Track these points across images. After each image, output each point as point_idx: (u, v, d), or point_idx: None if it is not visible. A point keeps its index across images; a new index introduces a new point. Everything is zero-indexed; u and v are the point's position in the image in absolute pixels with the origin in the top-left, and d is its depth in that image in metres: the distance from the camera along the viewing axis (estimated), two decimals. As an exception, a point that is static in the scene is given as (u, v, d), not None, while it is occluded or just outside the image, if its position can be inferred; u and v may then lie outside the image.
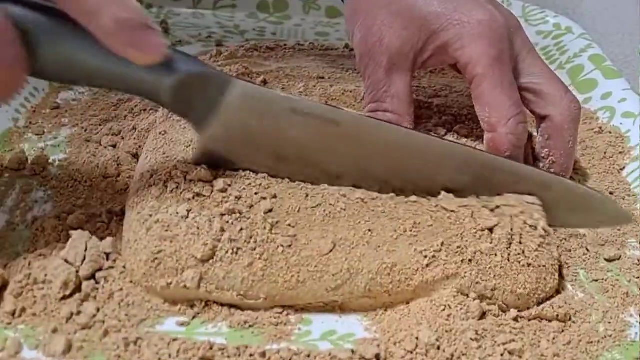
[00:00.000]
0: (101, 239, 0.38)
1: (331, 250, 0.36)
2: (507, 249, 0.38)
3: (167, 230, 0.36)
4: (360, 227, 0.37)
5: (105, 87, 0.36)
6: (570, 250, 0.43)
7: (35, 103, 0.54)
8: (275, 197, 0.38)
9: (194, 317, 0.36)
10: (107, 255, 0.37)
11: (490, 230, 0.38)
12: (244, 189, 0.38)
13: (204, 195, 0.37)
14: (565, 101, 0.44)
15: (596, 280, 0.41)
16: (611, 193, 0.49)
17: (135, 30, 0.32)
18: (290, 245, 0.36)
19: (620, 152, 0.52)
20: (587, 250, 0.43)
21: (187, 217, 0.36)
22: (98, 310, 0.35)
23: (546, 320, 0.37)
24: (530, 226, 0.39)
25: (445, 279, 0.37)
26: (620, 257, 0.43)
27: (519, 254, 0.38)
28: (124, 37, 0.32)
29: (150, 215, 0.37)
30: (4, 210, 0.42)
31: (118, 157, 0.47)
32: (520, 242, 0.38)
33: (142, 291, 0.36)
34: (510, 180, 0.41)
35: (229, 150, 0.39)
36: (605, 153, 0.52)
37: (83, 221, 0.40)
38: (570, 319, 0.37)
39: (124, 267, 0.37)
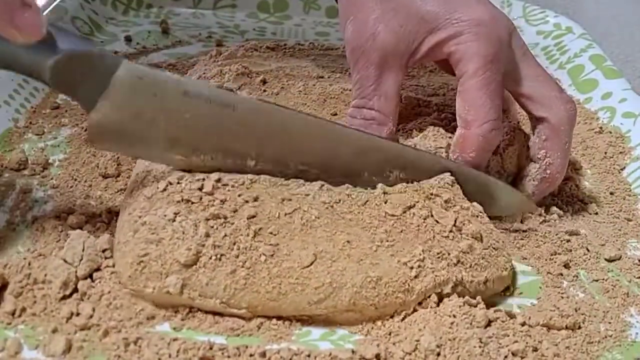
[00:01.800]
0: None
1: (312, 263, 0.36)
2: (480, 240, 0.38)
3: (153, 233, 0.36)
4: (337, 238, 0.37)
5: None
6: (570, 250, 0.43)
7: (35, 103, 0.54)
8: (256, 199, 0.37)
9: (182, 323, 0.35)
10: (105, 252, 0.37)
11: (456, 226, 0.38)
12: (229, 190, 0.37)
13: (192, 199, 0.37)
14: (561, 103, 0.44)
15: (596, 281, 0.41)
16: (611, 193, 0.49)
17: (11, 8, 0.32)
18: (272, 255, 0.36)
19: (621, 152, 0.52)
20: (588, 250, 0.43)
21: (174, 220, 0.36)
22: (94, 310, 0.35)
23: (555, 329, 0.37)
24: (477, 212, 0.40)
25: (437, 286, 0.36)
26: (621, 257, 0.43)
27: (489, 240, 0.39)
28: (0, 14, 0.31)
29: (140, 217, 0.37)
30: (4, 210, 0.42)
31: (118, 157, 0.46)
32: (484, 229, 0.39)
33: (128, 294, 0.36)
34: (408, 168, 0.41)
35: (121, 131, 0.37)
36: (605, 153, 0.52)
37: (83, 221, 0.40)
38: (579, 327, 0.37)
39: (113, 265, 0.37)
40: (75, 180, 0.45)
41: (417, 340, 0.34)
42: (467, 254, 0.38)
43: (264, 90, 0.53)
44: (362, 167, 0.40)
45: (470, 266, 0.37)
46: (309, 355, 0.33)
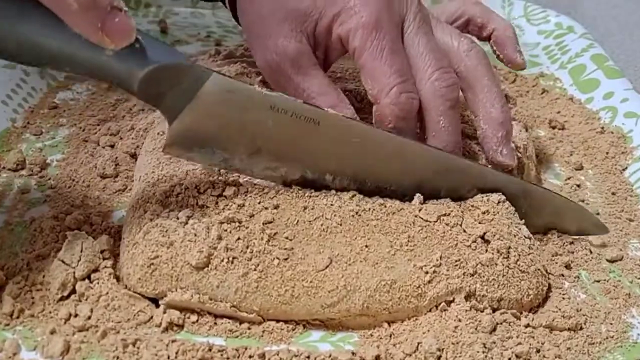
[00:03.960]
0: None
1: (327, 266, 0.36)
2: (505, 257, 0.37)
3: (164, 236, 0.36)
4: (356, 243, 0.37)
5: (73, 72, 0.34)
6: (572, 252, 0.42)
7: (33, 103, 0.53)
8: (277, 207, 0.37)
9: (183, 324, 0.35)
10: (103, 252, 0.37)
11: (483, 238, 0.38)
12: (250, 197, 0.37)
13: (207, 204, 0.37)
14: (429, 77, 0.42)
15: (598, 281, 0.40)
16: (613, 193, 0.48)
17: (101, 12, 0.31)
18: (286, 259, 0.35)
19: (623, 152, 0.52)
20: (590, 251, 0.43)
21: (187, 223, 0.36)
22: (92, 311, 0.34)
23: (557, 330, 0.36)
24: (517, 231, 0.39)
25: (449, 294, 0.36)
26: (622, 257, 0.42)
27: (517, 260, 0.37)
28: (89, 19, 0.31)
29: (151, 219, 0.36)
30: (2, 210, 0.42)
31: (116, 157, 0.46)
32: (516, 249, 0.38)
33: (126, 295, 0.35)
34: (488, 189, 0.40)
35: (202, 141, 0.37)
36: (607, 153, 0.52)
37: (81, 221, 0.40)
38: (581, 328, 0.37)
39: (112, 266, 0.36)
40: (74, 180, 0.45)
41: (419, 343, 0.34)
42: (486, 267, 0.37)
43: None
44: (440, 186, 0.40)
45: (488, 280, 0.37)
46: (308, 357, 0.33)
